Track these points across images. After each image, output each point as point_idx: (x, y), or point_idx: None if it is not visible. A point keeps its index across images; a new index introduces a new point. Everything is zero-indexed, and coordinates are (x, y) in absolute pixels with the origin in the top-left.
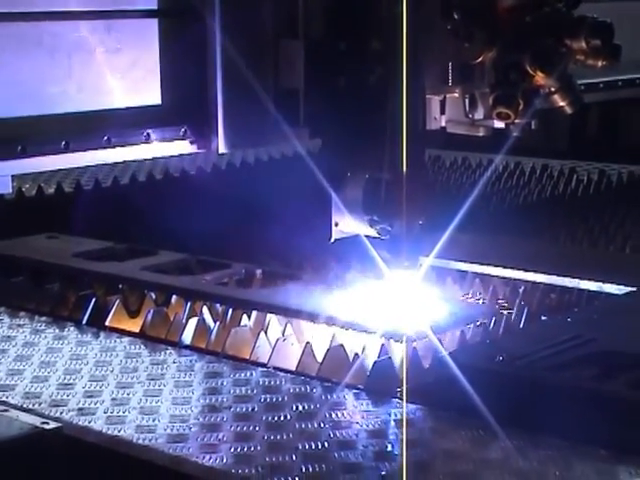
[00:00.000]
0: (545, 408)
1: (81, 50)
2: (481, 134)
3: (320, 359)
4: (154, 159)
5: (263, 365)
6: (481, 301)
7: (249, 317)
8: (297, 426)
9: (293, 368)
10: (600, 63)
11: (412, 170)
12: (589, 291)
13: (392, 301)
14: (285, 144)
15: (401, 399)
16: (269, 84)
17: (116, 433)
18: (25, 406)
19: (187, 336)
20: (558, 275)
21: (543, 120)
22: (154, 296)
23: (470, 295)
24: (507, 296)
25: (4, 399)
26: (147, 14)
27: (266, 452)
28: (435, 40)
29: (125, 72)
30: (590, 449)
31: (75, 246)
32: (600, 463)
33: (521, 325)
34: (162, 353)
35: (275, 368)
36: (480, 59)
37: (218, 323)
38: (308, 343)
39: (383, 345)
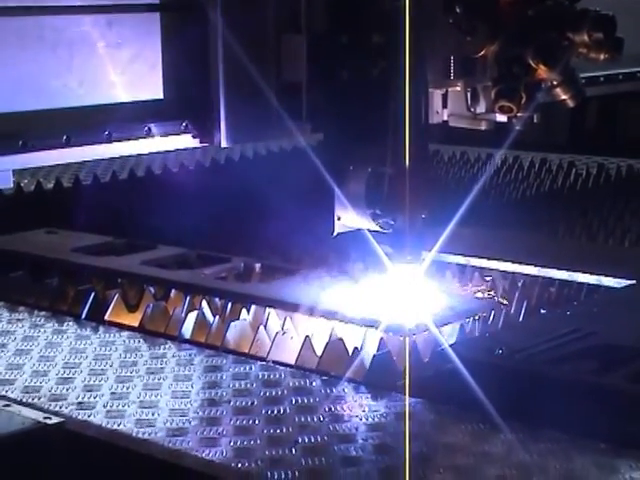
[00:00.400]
0: (545, 401)
1: (82, 44)
2: (483, 128)
3: (319, 353)
4: (151, 154)
5: (262, 359)
6: (484, 294)
7: (248, 311)
8: (297, 420)
9: (292, 362)
10: (602, 56)
11: (415, 164)
12: (588, 284)
13: (392, 295)
14: (287, 138)
15: (401, 392)
16: (271, 78)
17: (115, 427)
18: (25, 400)
19: (186, 330)
20: (557, 269)
21: (542, 114)
22: (153, 290)
23: (472, 287)
24: (506, 289)
25: (4, 393)
26: (149, 8)
27: (266, 446)
28: (437, 33)
29: (126, 66)
30: (590, 442)
31: (74, 241)
32: (600, 456)
33: (520, 318)
34: (161, 347)
35: (274, 362)
36: (482, 53)
37: (217, 317)
38: (307, 337)
39: (382, 339)
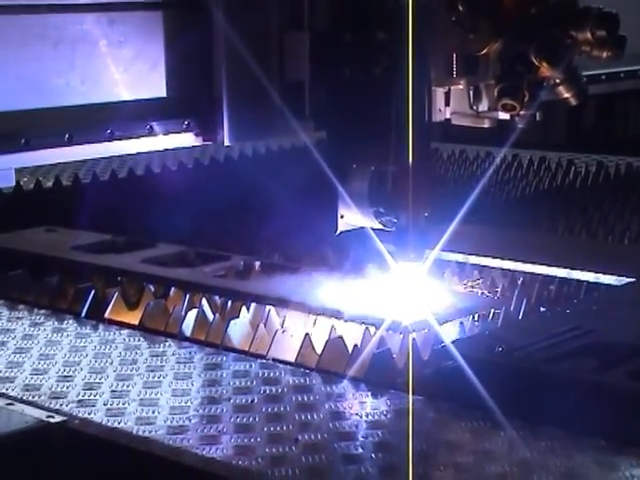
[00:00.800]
0: (545, 399)
1: (84, 43)
2: (486, 126)
3: (319, 351)
4: (151, 152)
5: (262, 357)
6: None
7: (248, 309)
8: (297, 417)
9: (292, 360)
10: (605, 54)
11: (418, 162)
12: (588, 282)
13: (392, 292)
14: (290, 136)
15: (401, 390)
16: (274, 76)
17: (116, 425)
18: (25, 398)
19: (186, 328)
20: (557, 266)
21: (541, 112)
22: (153, 288)
23: (472, 285)
24: (506, 287)
25: (4, 391)
26: (151, 6)
27: (266, 443)
28: (440, 31)
29: (128, 65)
30: (590, 440)
31: (74, 239)
32: (600, 454)
33: (520, 316)
34: (161, 345)
35: (274, 360)
36: (485, 50)
37: (217, 315)
38: (307, 335)
39: (382, 337)
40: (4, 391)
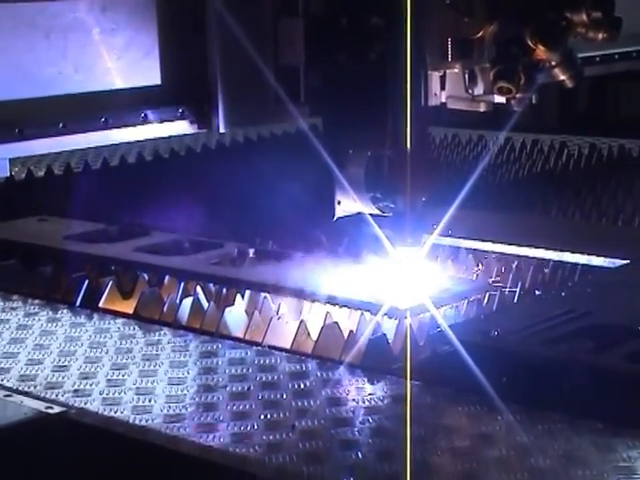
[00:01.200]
0: (541, 382)
1: (77, 31)
2: (482, 110)
3: (315, 337)
4: (144, 140)
5: (258, 344)
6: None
7: (243, 296)
8: (293, 404)
9: (288, 347)
10: (601, 36)
11: (415, 146)
12: (582, 265)
13: (387, 278)
14: (285, 122)
15: (397, 376)
16: (269, 62)
17: (112, 414)
18: (21, 389)
19: (181, 316)
20: (551, 249)
21: (537, 95)
22: (147, 277)
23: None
24: (500, 271)
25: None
26: None
27: (263, 430)
28: (435, 15)
29: (122, 52)
30: (587, 422)
31: (66, 228)
32: (597, 436)
33: (515, 300)
34: (156, 334)
35: (270, 347)
36: (480, 34)
37: (212, 303)
38: (302, 321)
39: (378, 322)
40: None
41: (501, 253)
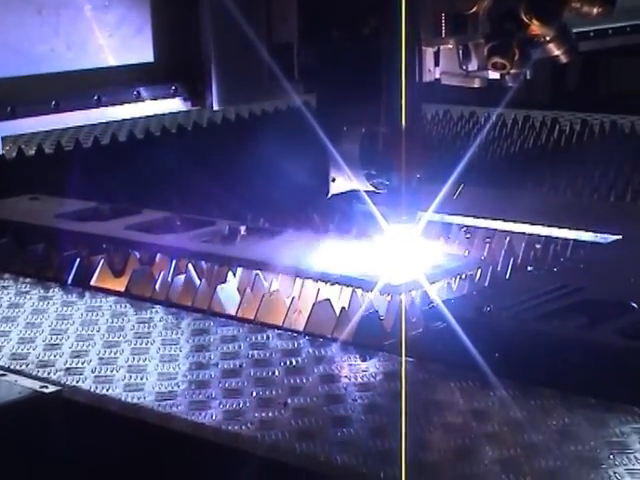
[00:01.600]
0: (534, 358)
1: (69, 7)
2: (476, 86)
3: (307, 314)
4: (134, 118)
5: (250, 321)
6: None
7: (234, 274)
8: (286, 381)
9: (280, 324)
10: (595, 10)
11: (409, 123)
12: (574, 240)
13: (379, 254)
14: (280, 99)
15: (389, 352)
16: (263, 39)
17: (104, 392)
18: (13, 367)
19: (173, 294)
20: (543, 225)
21: (531, 71)
22: (138, 255)
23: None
24: (492, 247)
25: None
26: None
27: (255, 408)
28: None
29: (114, 29)
30: (580, 398)
31: (58, 207)
32: (590, 411)
33: (507, 276)
34: (148, 311)
35: (262, 324)
36: (474, 9)
37: (204, 280)
38: (294, 298)
39: (370, 299)
40: None
41: (493, 229)
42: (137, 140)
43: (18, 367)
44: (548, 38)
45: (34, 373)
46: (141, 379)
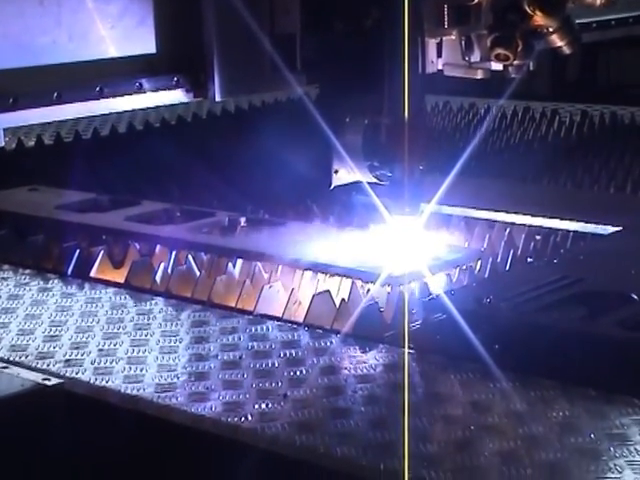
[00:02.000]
0: (534, 349)
1: None
2: (479, 77)
3: (306, 306)
4: (133, 110)
5: (249, 313)
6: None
7: (234, 265)
8: (285, 373)
9: (279, 315)
10: (599, 1)
11: (412, 114)
12: (575, 232)
13: (379, 246)
14: (282, 90)
15: (388, 344)
16: (265, 30)
17: (104, 384)
18: (12, 359)
19: (172, 285)
20: (543, 217)
21: (534, 62)
22: (138, 246)
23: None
24: (492, 238)
25: None
26: None
27: (255, 399)
28: None
29: (116, 21)
30: (580, 389)
31: (57, 198)
32: (590, 403)
33: (507, 267)
34: (148, 303)
35: (261, 316)
36: (477, 0)
37: (203, 272)
38: (293, 289)
39: (369, 290)
40: None
41: (493, 220)
42: (137, 131)
43: (17, 359)
44: (551, 29)
45: (33, 365)
46: (141, 371)
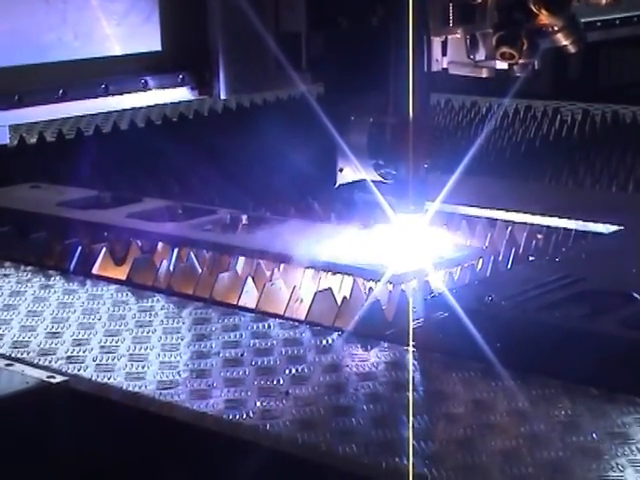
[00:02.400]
0: (536, 348)
1: None
2: (484, 75)
3: (308, 303)
4: (134, 108)
5: (251, 310)
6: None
7: (236, 263)
8: (287, 370)
9: (281, 313)
10: (605, 0)
11: (417, 112)
12: (576, 231)
13: (381, 244)
14: (287, 88)
15: (391, 342)
16: (270, 28)
17: (105, 381)
18: (14, 356)
19: (174, 283)
20: (545, 215)
21: (539, 61)
22: (140, 243)
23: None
24: (494, 237)
25: None
26: None
27: (257, 397)
28: None
29: (122, 18)
30: (582, 388)
31: (59, 195)
32: (592, 402)
33: (509, 266)
34: (149, 300)
35: (263, 313)
36: None
37: (205, 269)
38: (295, 287)
39: (371, 288)
40: None
41: (495, 219)
42: (138, 128)
43: (20, 355)
44: (556, 28)
45: (35, 361)
46: (142, 368)
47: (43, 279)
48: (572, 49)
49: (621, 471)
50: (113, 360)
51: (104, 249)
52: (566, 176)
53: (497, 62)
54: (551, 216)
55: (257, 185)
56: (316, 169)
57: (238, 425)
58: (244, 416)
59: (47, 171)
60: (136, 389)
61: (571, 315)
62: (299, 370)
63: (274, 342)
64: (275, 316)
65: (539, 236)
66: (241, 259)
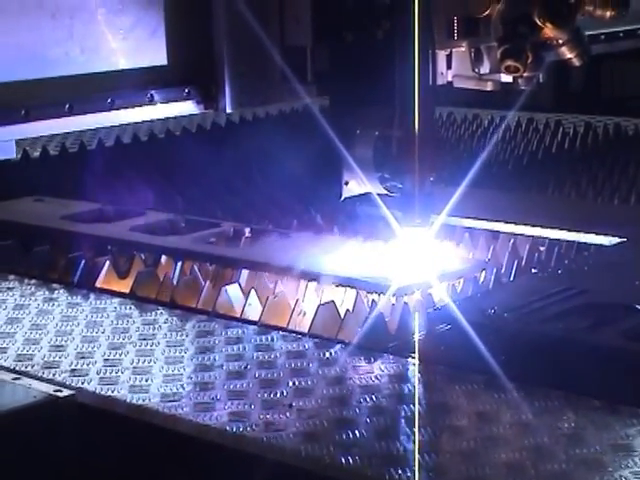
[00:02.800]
0: (538, 360)
1: (83, 11)
2: (489, 89)
3: (311, 316)
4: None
5: (254, 323)
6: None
7: (239, 276)
8: (290, 383)
9: (284, 326)
10: (609, 13)
11: (422, 126)
12: (579, 243)
13: (384, 257)
14: (292, 101)
15: (394, 354)
16: (276, 41)
17: (109, 394)
18: (18, 369)
19: (177, 296)
20: (547, 228)
21: (544, 74)
22: (143, 257)
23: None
24: (496, 249)
25: None
26: None
27: (260, 409)
28: None
29: (128, 32)
30: (585, 400)
31: (62, 209)
32: (595, 414)
33: (511, 278)
34: (153, 313)
35: (266, 326)
36: (488, 12)
37: (208, 282)
38: (298, 300)
39: (374, 301)
40: None
41: (497, 231)
42: (140, 142)
43: (24, 368)
44: (561, 41)
45: (39, 374)
46: (146, 381)
47: (47, 292)
48: (577, 62)
49: None
50: (117, 373)
51: (107, 262)
52: (568, 188)
53: (502, 75)
54: (553, 228)
55: (261, 198)
56: (321, 182)
57: (242, 438)
58: (248, 429)
59: (50, 184)
60: (140, 402)
61: (573, 327)
62: (302, 383)
63: (277, 355)
64: (278, 329)
65: (541, 248)
66: (244, 272)
